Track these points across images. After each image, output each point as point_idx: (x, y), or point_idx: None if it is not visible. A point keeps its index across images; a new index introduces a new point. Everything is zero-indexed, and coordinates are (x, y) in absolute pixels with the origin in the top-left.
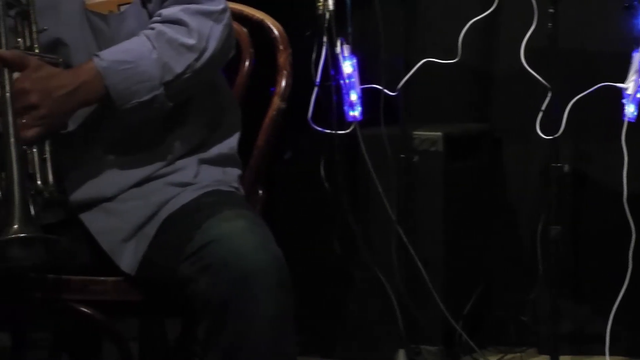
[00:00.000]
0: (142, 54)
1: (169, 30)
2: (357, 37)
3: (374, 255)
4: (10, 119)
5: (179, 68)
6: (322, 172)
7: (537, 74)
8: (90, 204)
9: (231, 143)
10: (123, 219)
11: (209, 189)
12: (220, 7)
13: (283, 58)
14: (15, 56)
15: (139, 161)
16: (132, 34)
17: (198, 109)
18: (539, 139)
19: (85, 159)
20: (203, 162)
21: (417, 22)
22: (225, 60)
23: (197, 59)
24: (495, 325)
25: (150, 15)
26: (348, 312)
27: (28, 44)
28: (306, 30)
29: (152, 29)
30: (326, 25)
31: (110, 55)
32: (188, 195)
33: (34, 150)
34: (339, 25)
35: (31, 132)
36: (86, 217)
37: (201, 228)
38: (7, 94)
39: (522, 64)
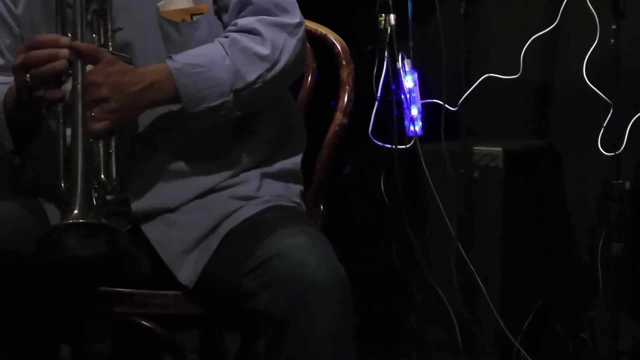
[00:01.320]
0: (214, 59)
1: (244, 39)
2: (418, 51)
3: (433, 269)
4: (80, 110)
5: (250, 77)
6: (382, 187)
7: (599, 90)
8: (152, 214)
9: (296, 159)
10: (184, 231)
11: (271, 203)
12: (296, 20)
13: (346, 73)
14: (90, 49)
15: (204, 172)
16: (203, 43)
17: (266, 123)
18: (600, 155)
19: (150, 167)
20: (266, 176)
21: (479, 37)
22: (296, 75)
23: (269, 70)
24: (553, 342)
25: (224, 27)
26: (406, 326)
27: (102, 41)
28: (367, 45)
29: (227, 37)
30: (387, 39)
31: (183, 58)
32: (250, 210)
33: (100, 144)
34: (400, 40)
35: (99, 125)
36: (147, 228)
37: (263, 243)
38: (79, 85)
39: (584, 79)
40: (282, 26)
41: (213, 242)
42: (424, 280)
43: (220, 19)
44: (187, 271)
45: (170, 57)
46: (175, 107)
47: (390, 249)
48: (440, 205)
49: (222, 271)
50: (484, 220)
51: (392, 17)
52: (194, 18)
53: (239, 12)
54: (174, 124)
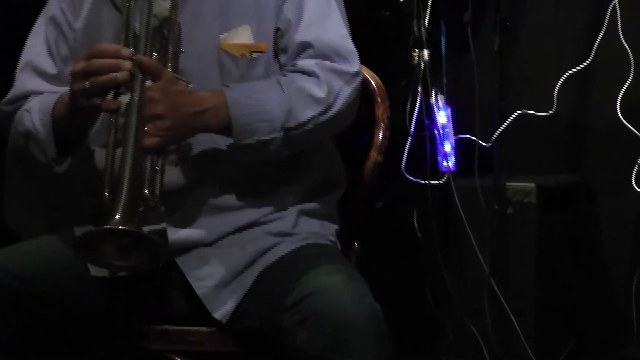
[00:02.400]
0: (270, 94)
1: (300, 79)
2: (452, 87)
3: (466, 305)
4: (134, 123)
5: (302, 117)
6: (416, 222)
7: (633, 126)
8: (188, 247)
9: (333, 198)
10: (219, 266)
11: (308, 241)
12: (354, 69)
13: (381, 111)
14: (153, 64)
15: (244, 208)
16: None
17: (312, 165)
18: (634, 192)
19: (191, 200)
20: (303, 213)
21: (513, 73)
22: (346, 123)
23: (322, 113)
24: None
25: (281, 67)
26: None
27: (162, 61)
28: (401, 80)
29: (284, 75)
30: (421, 75)
31: (240, 89)
32: (287, 247)
33: (148, 160)
34: (434, 75)
35: (151, 141)
36: (182, 261)
37: (299, 281)
38: (136, 98)
39: (617, 116)
40: (339, 73)
41: (248, 279)
42: (456, 316)
43: (277, 58)
44: (221, 307)
45: (228, 86)
46: (224, 142)
47: (423, 285)
48: (473, 241)
49: (258, 308)
50: (517, 256)
51: (425, 52)
52: (254, 55)
53: (298, 54)
54: (220, 159)
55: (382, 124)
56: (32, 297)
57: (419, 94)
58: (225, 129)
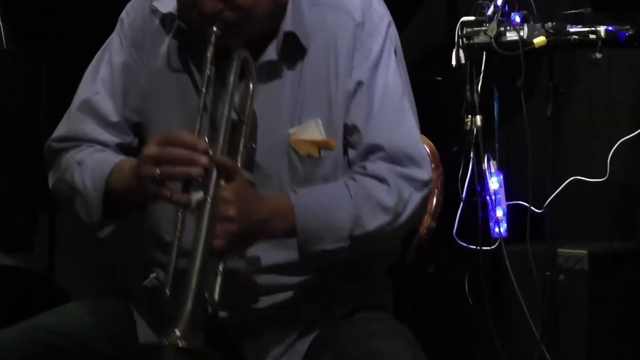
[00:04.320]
0: (338, 201)
1: (370, 185)
2: (504, 153)
3: None
4: (205, 224)
5: (370, 226)
6: (467, 288)
7: None
8: (239, 324)
9: (385, 265)
10: (273, 337)
11: (360, 305)
12: (426, 178)
13: (435, 176)
14: (231, 166)
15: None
16: (326, 178)
17: (377, 265)
18: None
19: (247, 283)
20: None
21: (565, 139)
22: (410, 231)
23: (390, 222)
24: None
25: (349, 163)
26: None
27: (233, 154)
28: (453, 146)
29: (354, 179)
30: (473, 140)
31: (308, 195)
32: (339, 311)
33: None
34: (486, 141)
35: (218, 243)
36: (234, 335)
37: (355, 345)
38: (209, 198)
39: None
40: (411, 180)
41: (303, 345)
42: None
43: (345, 154)
44: None
45: (295, 192)
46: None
47: (474, 350)
48: (525, 307)
49: None
50: (568, 323)
51: (478, 118)
52: (322, 153)
53: (368, 154)
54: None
55: (436, 190)
56: (79, 358)
57: (471, 159)
58: (292, 235)
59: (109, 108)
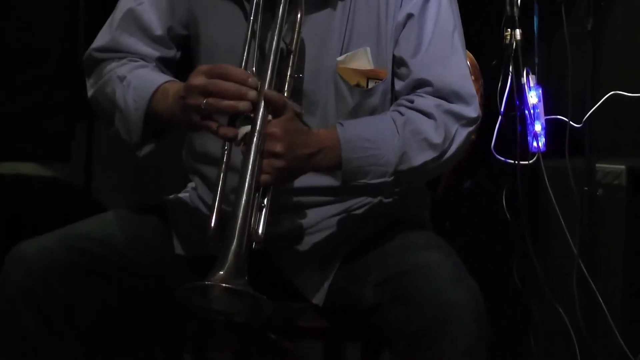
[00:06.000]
0: (385, 136)
1: (417, 121)
2: (544, 67)
3: (554, 288)
4: (252, 159)
5: (416, 162)
6: (504, 202)
7: None
8: (279, 238)
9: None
10: (309, 251)
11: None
12: (474, 115)
13: (475, 88)
14: (280, 101)
15: (335, 202)
16: (374, 110)
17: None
18: None
19: (285, 201)
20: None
21: (606, 54)
22: (451, 165)
23: (435, 159)
24: None
25: (396, 93)
26: (526, 346)
27: (280, 84)
28: (492, 59)
29: (401, 113)
30: (512, 54)
31: (354, 128)
32: (376, 224)
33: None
34: (526, 55)
35: (264, 178)
36: (273, 251)
37: (392, 257)
38: (256, 133)
39: None
40: (457, 116)
41: (337, 258)
42: (544, 298)
43: (393, 85)
44: (316, 291)
45: (342, 125)
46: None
47: (511, 266)
48: (563, 222)
49: (348, 284)
50: (606, 238)
51: (517, 32)
52: (370, 84)
53: (416, 88)
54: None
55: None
56: (116, 266)
57: (510, 73)
58: (337, 168)
59: (153, 19)
